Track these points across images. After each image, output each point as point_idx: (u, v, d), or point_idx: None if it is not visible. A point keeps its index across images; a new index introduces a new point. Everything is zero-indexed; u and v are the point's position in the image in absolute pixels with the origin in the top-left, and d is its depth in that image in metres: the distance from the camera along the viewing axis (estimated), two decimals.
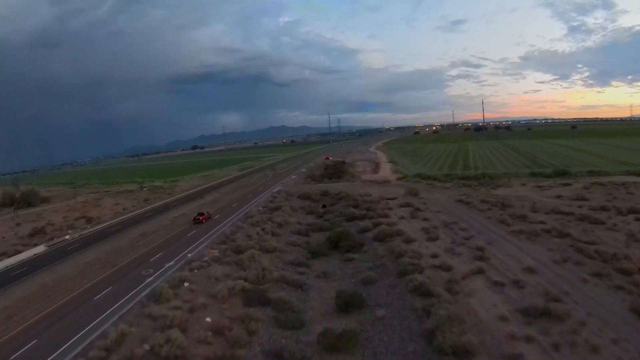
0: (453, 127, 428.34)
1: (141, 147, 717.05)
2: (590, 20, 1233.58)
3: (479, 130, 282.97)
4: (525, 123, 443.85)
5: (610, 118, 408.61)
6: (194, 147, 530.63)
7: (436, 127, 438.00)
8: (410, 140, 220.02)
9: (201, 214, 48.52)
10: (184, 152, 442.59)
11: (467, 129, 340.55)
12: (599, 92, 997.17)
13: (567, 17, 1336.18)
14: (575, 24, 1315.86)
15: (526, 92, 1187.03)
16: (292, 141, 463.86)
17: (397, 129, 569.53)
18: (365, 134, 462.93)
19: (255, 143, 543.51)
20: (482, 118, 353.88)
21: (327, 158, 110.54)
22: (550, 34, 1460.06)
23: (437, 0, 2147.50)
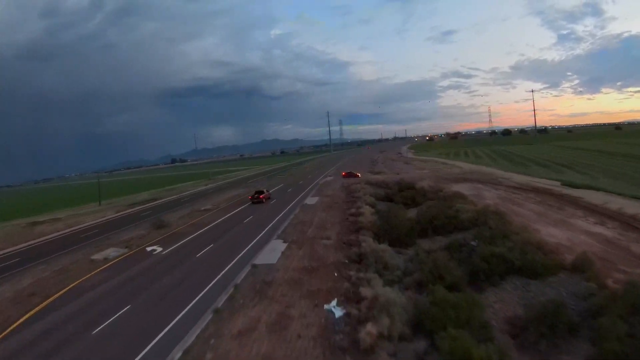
0: (453, 135, 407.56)
1: (132, 161, 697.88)
2: (579, 28, 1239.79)
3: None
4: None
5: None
6: (173, 161, 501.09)
7: (438, 136, 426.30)
8: (438, 146, 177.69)
9: None
10: (153, 168, 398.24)
11: (493, 132, 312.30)
12: (589, 99, 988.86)
13: (556, 26, 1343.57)
14: (564, 32, 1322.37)
15: (517, 102, 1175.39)
16: (281, 152, 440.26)
17: (395, 138, 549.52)
18: (365, 144, 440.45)
19: (241, 155, 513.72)
20: (471, 128, 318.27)
21: (349, 174, 61.39)
22: (540, 43, 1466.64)
23: (428, 11, 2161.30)
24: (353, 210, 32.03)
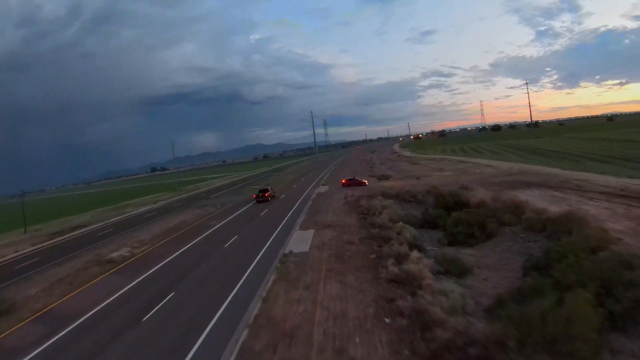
0: (440, 133, 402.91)
1: (115, 170, 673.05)
2: (557, 24, 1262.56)
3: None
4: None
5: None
6: (153, 170, 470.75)
7: (422, 134, 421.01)
8: (431, 144, 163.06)
9: None
10: (132, 178, 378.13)
11: (483, 128, 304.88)
12: (568, 93, 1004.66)
13: (534, 22, 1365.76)
14: (542, 28, 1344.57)
15: (497, 98, 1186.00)
16: (264, 156, 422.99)
17: (379, 139, 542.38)
18: (349, 145, 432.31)
19: (223, 161, 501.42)
20: (454, 126, 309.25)
21: (351, 182, 43.92)
22: (519, 40, 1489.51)
23: (407, 12, 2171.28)
24: (394, 270, 15.11)
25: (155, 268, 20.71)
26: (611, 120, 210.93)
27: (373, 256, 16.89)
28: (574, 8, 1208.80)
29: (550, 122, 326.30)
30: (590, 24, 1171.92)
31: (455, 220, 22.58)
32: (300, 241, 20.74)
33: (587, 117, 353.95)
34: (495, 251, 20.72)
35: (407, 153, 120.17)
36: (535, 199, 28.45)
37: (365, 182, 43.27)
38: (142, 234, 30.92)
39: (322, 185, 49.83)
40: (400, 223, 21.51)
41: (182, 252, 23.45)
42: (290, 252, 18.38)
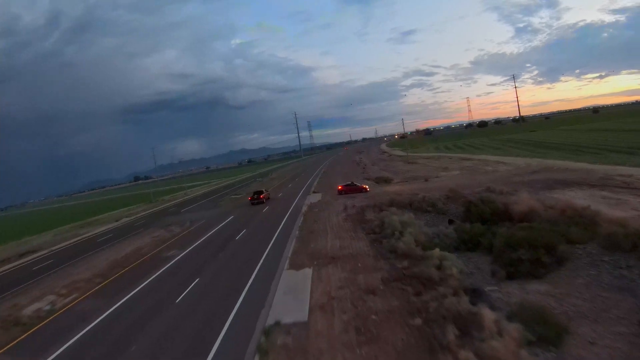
0: (426, 131, 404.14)
1: (101, 181, 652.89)
2: (536, 20, 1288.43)
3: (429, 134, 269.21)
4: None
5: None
6: (136, 179, 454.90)
7: (407, 133, 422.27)
8: (420, 143, 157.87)
9: None
10: (115, 188, 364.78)
11: (469, 125, 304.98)
12: (549, 88, 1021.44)
13: (513, 19, 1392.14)
14: (521, 25, 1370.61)
15: (479, 95, 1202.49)
16: (249, 161, 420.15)
17: (364, 140, 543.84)
18: (333, 147, 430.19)
19: (207, 168, 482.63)
20: (438, 124, 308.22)
21: (349, 188, 36.95)
22: (498, 37, 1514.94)
23: (387, 13, 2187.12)
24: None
25: (68, 344, 13.39)
26: (596, 113, 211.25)
27: (417, 320, 10.15)
28: (552, 4, 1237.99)
29: (535, 117, 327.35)
30: (569, 19, 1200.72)
31: (508, 240, 16.08)
32: (292, 295, 13.35)
33: (571, 111, 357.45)
34: (577, 286, 14.33)
35: (398, 152, 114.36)
36: (586, 202, 22.36)
37: (366, 188, 36.60)
38: (80, 271, 23.29)
39: (314, 193, 42.59)
40: (437, 250, 14.84)
41: (114, 310, 15.90)
42: (278, 323, 11.20)
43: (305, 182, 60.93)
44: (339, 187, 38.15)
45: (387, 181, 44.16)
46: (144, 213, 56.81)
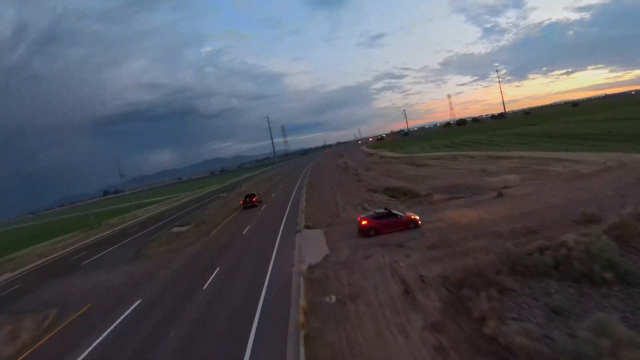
0: (403, 132, 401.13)
1: (73, 196, 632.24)
2: (502, 21, 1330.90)
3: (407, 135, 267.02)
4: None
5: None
6: (105, 193, 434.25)
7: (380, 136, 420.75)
8: (405, 143, 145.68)
9: None
10: (83, 204, 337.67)
11: (447, 124, 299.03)
12: (518, 86, 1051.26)
13: (480, 20, 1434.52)
14: (488, 25, 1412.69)
15: (449, 95, 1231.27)
16: (221, 170, 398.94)
17: (338, 144, 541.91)
18: (308, 152, 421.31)
19: (178, 179, 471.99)
20: (411, 125, 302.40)
21: (381, 224, 19.76)
22: (466, 38, 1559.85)
23: (356, 17, 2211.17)
24: None
25: None
26: (576, 106, 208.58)
27: None
28: (518, 4, 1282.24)
29: (516, 113, 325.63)
30: (535, 18, 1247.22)
31: None
32: None
33: (546, 106, 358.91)
34: None
35: (388, 153, 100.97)
36: None
37: (416, 220, 20.05)
38: None
39: (306, 228, 24.95)
40: None
41: None
42: None
43: (286, 202, 42.25)
44: (363, 222, 20.60)
45: (409, 195, 29.60)
46: (62, 252, 39.45)
